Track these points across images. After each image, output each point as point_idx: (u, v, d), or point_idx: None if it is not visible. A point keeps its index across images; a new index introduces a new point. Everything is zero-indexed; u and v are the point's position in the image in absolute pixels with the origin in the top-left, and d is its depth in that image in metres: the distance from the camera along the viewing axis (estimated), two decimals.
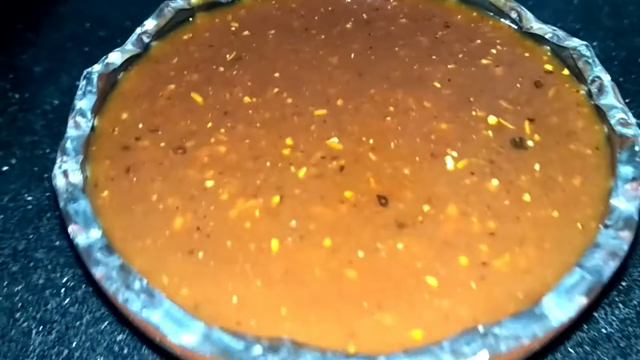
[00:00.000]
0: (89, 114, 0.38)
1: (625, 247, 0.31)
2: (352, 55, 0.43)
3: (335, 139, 0.37)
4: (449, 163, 0.36)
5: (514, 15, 0.45)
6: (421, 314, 0.30)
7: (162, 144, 0.37)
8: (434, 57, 0.43)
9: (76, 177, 0.34)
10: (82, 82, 0.39)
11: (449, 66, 0.42)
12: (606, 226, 0.32)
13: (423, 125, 0.38)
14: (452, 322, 0.29)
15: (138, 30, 0.43)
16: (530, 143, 0.37)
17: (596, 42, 0.56)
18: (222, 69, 0.42)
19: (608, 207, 0.33)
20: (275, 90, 0.40)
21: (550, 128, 0.38)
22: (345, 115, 0.39)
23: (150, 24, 0.44)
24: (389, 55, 0.43)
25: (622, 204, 0.33)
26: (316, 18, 0.46)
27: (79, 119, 0.37)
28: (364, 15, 0.46)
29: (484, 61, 0.42)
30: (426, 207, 0.34)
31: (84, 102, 0.38)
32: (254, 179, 0.35)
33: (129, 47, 0.42)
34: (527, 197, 0.34)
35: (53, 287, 0.41)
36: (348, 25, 0.45)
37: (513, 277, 0.31)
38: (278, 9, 0.47)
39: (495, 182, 0.35)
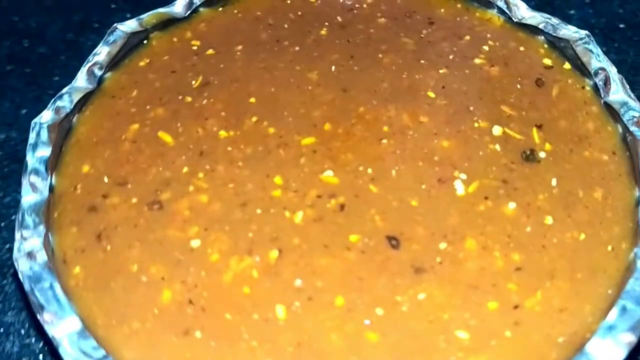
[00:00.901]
0: (44, 172, 0.33)
1: None
2: (333, 67, 0.38)
3: (329, 172, 0.33)
4: (459, 188, 0.33)
5: (501, 3, 0.41)
6: None
7: (134, 200, 0.32)
8: (422, 61, 0.38)
9: (41, 256, 0.29)
10: (32, 135, 0.34)
11: (440, 71, 0.38)
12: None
13: (423, 145, 0.34)
14: None
15: (88, 60, 0.38)
16: (542, 154, 0.34)
17: (573, 10, 0.53)
18: (189, 98, 0.37)
19: (637, 222, 0.30)
20: (254, 119, 0.36)
21: (560, 134, 0.35)
22: (336, 142, 0.34)
23: (101, 52, 0.38)
24: (373, 64, 0.38)
25: None
26: (286, 26, 0.41)
27: (33, 179, 0.32)
28: (339, 18, 0.41)
29: (477, 61, 0.39)
30: (442, 245, 0.30)
31: (36, 159, 0.33)
32: (246, 232, 0.31)
33: (80, 83, 0.37)
34: (549, 220, 0.31)
35: (30, 355, 0.37)
36: (323, 32, 0.40)
37: (549, 318, 0.28)
38: (242, 19, 0.42)
39: (512, 205, 0.32)
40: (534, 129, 0.35)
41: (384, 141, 0.34)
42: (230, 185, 0.33)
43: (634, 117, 0.34)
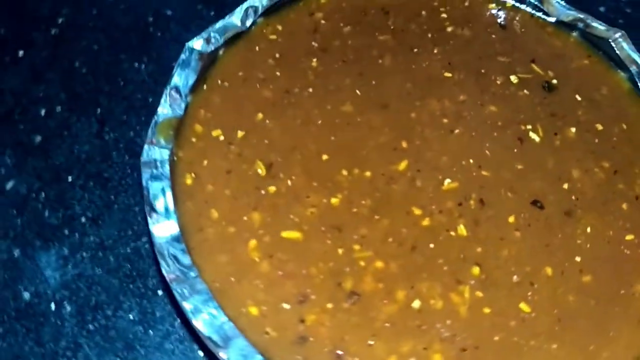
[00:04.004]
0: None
1: None
2: (357, 91, 0.39)
3: (448, 180, 0.36)
4: (535, 137, 0.38)
5: None
6: None
7: None
8: (415, 50, 0.41)
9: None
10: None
11: (435, 51, 0.41)
12: None
13: (482, 118, 0.39)
14: None
15: None
16: (554, 81, 0.41)
17: None
18: None
19: None
20: (344, 172, 0.36)
21: (549, 60, 0.42)
22: (427, 152, 0.37)
23: None
24: (381, 71, 0.40)
25: None
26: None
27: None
28: (314, 44, 0.41)
29: (449, 29, 0.43)
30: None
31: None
32: None
33: None
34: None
35: None
36: (314, 63, 0.40)
37: None
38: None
39: (573, 129, 0.39)
40: (532, 64, 0.41)
41: (457, 131, 0.38)
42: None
43: None
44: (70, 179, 0.46)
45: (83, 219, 0.44)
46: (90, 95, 0.50)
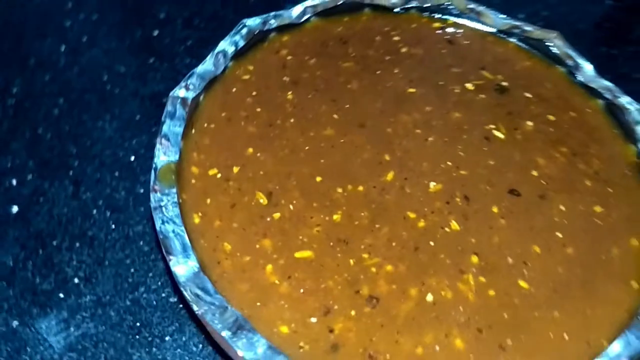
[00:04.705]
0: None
1: None
2: (335, 116, 0.42)
3: (433, 183, 0.39)
4: (499, 134, 0.42)
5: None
6: None
7: None
8: (378, 72, 0.45)
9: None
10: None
11: (395, 71, 0.45)
12: None
13: (448, 123, 0.42)
14: None
15: None
16: (504, 83, 0.45)
17: None
18: None
19: None
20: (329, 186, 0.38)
21: (498, 65, 0.46)
22: (409, 161, 0.40)
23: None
24: (345, 94, 0.43)
25: None
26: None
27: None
28: (285, 80, 0.44)
29: (403, 50, 0.47)
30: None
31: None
32: None
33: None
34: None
35: None
36: (289, 96, 0.43)
37: None
38: None
39: (530, 123, 0.43)
40: (482, 71, 0.46)
41: (430, 139, 0.41)
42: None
43: None
44: (55, 243, 0.46)
45: (76, 280, 0.44)
46: (59, 159, 0.50)
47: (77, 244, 0.46)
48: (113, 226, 0.47)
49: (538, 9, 0.52)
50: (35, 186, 0.49)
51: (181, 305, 0.43)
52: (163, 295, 0.44)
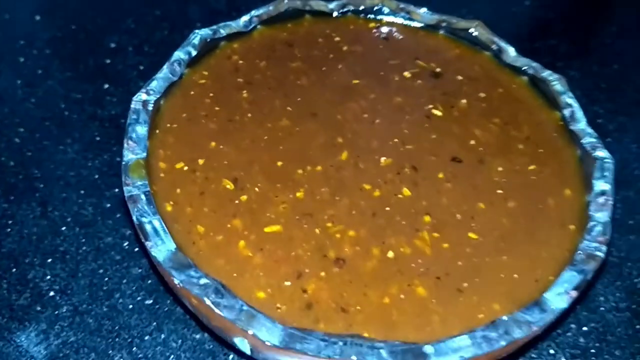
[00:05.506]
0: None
1: None
2: (289, 108, 0.46)
3: (383, 158, 0.43)
4: (437, 112, 0.47)
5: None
6: None
7: None
8: (332, 69, 0.49)
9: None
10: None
11: (339, 67, 0.49)
12: None
13: (392, 106, 0.47)
14: None
15: None
16: (438, 70, 0.50)
17: None
18: None
19: None
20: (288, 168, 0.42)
21: (432, 53, 0.51)
22: (360, 140, 0.44)
23: None
24: (294, 87, 0.47)
25: None
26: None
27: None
28: (240, 82, 0.48)
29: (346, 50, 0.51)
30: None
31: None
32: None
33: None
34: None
35: None
36: (244, 95, 0.46)
37: None
38: None
39: (464, 101, 0.48)
40: (417, 61, 0.51)
41: (377, 121, 0.45)
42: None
43: None
44: (27, 260, 0.47)
45: (52, 293, 0.46)
46: (25, 183, 0.52)
47: (50, 260, 0.47)
48: (83, 240, 0.49)
49: (463, 13, 0.57)
50: (3, 210, 0.50)
51: (157, 306, 0.45)
52: (138, 298, 0.45)
